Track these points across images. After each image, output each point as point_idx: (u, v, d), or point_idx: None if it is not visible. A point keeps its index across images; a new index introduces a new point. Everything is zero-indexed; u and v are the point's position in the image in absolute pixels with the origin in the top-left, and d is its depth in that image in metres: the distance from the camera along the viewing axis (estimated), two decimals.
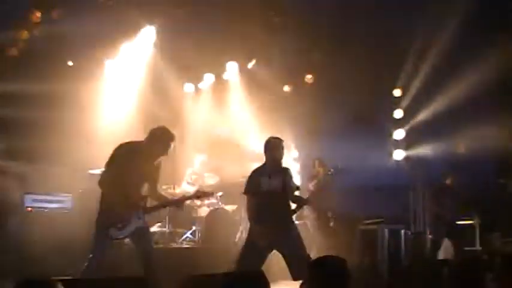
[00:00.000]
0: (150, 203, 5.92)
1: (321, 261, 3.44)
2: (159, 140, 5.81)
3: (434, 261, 8.46)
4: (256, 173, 6.44)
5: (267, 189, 6.24)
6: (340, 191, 9.99)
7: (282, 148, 6.38)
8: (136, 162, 5.68)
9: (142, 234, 5.72)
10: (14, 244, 7.58)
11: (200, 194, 6.57)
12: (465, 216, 10.17)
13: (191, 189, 9.99)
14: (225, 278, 4.59)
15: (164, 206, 6.16)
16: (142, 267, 5.64)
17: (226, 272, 5.90)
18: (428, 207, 9.03)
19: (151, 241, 6.02)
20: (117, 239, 5.68)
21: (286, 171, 6.56)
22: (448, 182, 9.15)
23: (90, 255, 5.47)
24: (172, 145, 5.90)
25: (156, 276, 5.60)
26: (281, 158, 6.42)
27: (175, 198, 6.62)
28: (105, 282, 4.32)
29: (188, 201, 7.55)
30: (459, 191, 9.15)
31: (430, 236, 9.67)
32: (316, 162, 10.57)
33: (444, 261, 8.31)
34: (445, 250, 9.30)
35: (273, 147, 6.36)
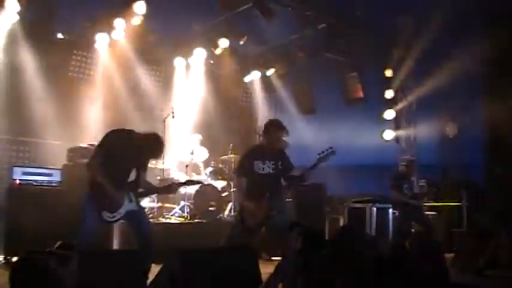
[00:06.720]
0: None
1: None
2: (151, 148, 5.62)
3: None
4: (250, 155, 6.10)
5: (260, 172, 5.94)
6: (329, 170, 10.02)
7: (284, 136, 6.01)
8: (127, 149, 5.53)
9: (135, 217, 5.59)
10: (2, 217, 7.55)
11: (189, 183, 6.37)
12: (453, 197, 10.28)
13: (179, 173, 9.94)
14: (213, 251, 4.64)
15: (154, 193, 5.93)
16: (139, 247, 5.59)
17: (214, 246, 5.96)
18: (393, 195, 8.91)
19: (147, 223, 5.78)
20: (109, 222, 5.54)
21: (281, 154, 6.18)
22: (404, 170, 9.26)
23: (81, 238, 5.27)
24: (161, 156, 5.92)
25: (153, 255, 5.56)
26: (280, 146, 6.06)
27: (164, 185, 6.31)
28: (101, 255, 4.35)
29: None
30: (414, 180, 9.26)
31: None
32: None
33: None
34: None
35: (276, 131, 5.99)
